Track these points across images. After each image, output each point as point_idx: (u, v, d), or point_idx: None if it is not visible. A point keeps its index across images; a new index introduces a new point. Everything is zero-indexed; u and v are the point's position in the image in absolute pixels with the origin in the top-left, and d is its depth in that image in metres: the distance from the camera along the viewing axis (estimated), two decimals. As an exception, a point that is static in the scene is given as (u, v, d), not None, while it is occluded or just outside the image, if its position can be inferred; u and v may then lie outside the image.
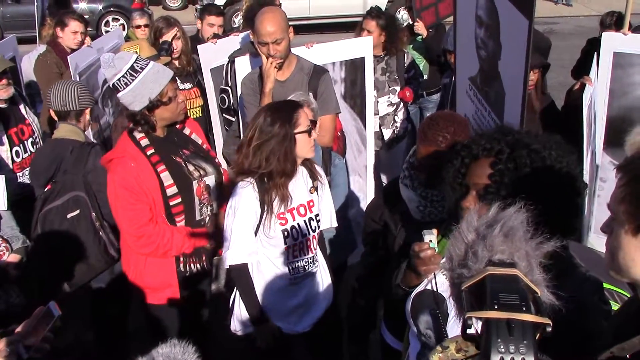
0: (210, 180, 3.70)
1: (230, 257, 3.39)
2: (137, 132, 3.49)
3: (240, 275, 3.48)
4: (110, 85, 3.43)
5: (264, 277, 3.49)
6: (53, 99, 4.09)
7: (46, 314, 2.40)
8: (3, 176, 3.74)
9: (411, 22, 7.00)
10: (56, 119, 4.16)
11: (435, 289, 2.17)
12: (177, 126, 3.72)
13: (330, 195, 3.72)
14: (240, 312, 3.60)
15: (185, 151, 3.64)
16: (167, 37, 5.59)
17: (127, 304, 4.43)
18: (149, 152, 3.48)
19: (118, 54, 3.56)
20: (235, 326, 3.65)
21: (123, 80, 3.34)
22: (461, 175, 2.19)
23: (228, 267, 3.46)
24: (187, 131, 3.78)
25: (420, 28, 6.85)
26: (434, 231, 2.36)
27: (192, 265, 3.68)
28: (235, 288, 3.60)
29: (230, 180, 3.60)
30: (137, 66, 3.37)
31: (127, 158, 3.44)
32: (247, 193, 3.32)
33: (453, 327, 2.09)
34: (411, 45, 6.95)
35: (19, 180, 4.54)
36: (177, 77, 3.97)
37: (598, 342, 1.67)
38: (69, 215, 3.83)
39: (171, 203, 3.52)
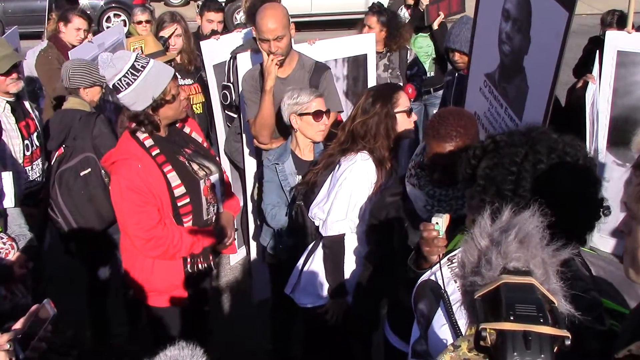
0: (215, 179, 3.65)
1: (340, 226, 3.51)
2: (140, 132, 3.40)
3: (337, 246, 3.58)
4: (110, 86, 3.35)
5: (349, 250, 3.59)
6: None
7: (42, 312, 2.38)
8: (10, 172, 3.68)
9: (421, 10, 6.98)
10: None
11: (440, 282, 2.13)
12: (177, 125, 3.65)
13: None
14: (310, 284, 3.69)
15: (187, 150, 3.58)
16: (165, 32, 5.57)
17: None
18: (154, 153, 3.39)
19: (117, 53, 3.48)
20: (300, 298, 3.75)
21: (124, 80, 3.25)
22: (472, 167, 2.16)
23: (328, 235, 3.55)
24: (187, 130, 3.71)
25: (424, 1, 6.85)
26: (445, 216, 2.37)
27: (199, 265, 3.62)
28: (307, 259, 3.72)
29: (330, 155, 3.66)
30: (138, 65, 3.28)
31: (132, 159, 3.35)
32: (369, 165, 3.47)
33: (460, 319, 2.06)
34: (414, 39, 6.91)
35: (27, 175, 4.51)
36: (177, 74, 3.93)
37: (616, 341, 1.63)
38: (81, 174, 4.32)
39: (179, 203, 3.46)
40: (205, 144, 3.80)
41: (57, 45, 6.03)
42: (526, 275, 1.38)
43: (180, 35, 5.68)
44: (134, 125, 3.39)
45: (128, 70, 3.25)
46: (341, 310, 3.64)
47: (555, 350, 1.28)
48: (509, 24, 3.44)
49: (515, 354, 1.26)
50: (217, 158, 3.88)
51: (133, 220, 3.39)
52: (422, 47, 7.03)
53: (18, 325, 2.33)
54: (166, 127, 3.52)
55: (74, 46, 5.95)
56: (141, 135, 3.41)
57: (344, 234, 3.53)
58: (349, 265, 3.67)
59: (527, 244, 1.41)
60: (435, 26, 6.84)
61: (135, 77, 3.25)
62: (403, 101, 3.50)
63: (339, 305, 3.63)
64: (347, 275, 3.68)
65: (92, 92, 4.63)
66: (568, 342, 1.29)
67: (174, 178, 3.41)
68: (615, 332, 1.75)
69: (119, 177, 3.36)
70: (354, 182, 3.46)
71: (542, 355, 1.25)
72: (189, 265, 3.59)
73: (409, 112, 3.54)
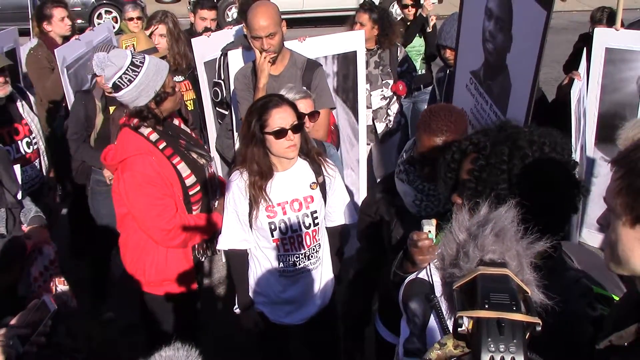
0: (214, 165, 3.78)
1: (221, 241, 3.51)
2: (143, 127, 3.46)
3: (233, 259, 3.62)
4: (110, 84, 3.38)
5: (257, 264, 3.56)
6: None
7: (41, 307, 2.41)
8: (18, 165, 3.68)
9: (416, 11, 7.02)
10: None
11: (428, 278, 2.17)
12: (168, 118, 3.71)
13: (344, 189, 3.72)
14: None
15: (182, 142, 3.66)
16: (147, 32, 5.62)
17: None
18: (161, 146, 3.48)
19: (112, 51, 3.52)
20: (235, 307, 3.76)
21: (125, 77, 3.30)
22: (452, 171, 2.21)
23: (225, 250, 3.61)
24: (176, 122, 3.79)
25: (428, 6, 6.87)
26: (433, 221, 2.39)
27: (208, 251, 3.76)
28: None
29: None
30: (137, 61, 3.34)
31: (145, 154, 3.42)
32: (236, 184, 3.38)
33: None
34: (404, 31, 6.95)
35: None
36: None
37: (599, 333, 1.69)
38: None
39: (190, 192, 3.56)
40: (193, 135, 3.88)
41: (46, 43, 5.98)
42: (501, 266, 1.44)
43: (164, 35, 5.69)
44: (136, 121, 3.44)
45: (128, 67, 3.30)
46: (250, 322, 3.65)
47: (527, 337, 1.35)
48: (491, 22, 3.48)
49: (489, 339, 1.32)
50: (206, 147, 3.99)
51: (153, 212, 3.46)
52: (415, 46, 7.07)
53: (17, 319, 2.36)
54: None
55: (65, 38, 5.96)
56: (145, 130, 3.47)
57: (242, 249, 3.53)
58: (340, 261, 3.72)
59: (502, 237, 1.48)
60: (429, 28, 6.88)
61: (137, 73, 3.31)
62: (276, 120, 3.22)
63: (246, 317, 3.65)
64: (337, 268, 3.72)
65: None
66: (539, 329, 1.36)
67: (184, 169, 3.51)
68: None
69: (133, 172, 3.41)
70: (227, 202, 3.45)
71: (514, 341, 1.32)
72: (197, 252, 3.72)
73: (281, 132, 3.22)
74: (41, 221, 3.52)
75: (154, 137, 3.48)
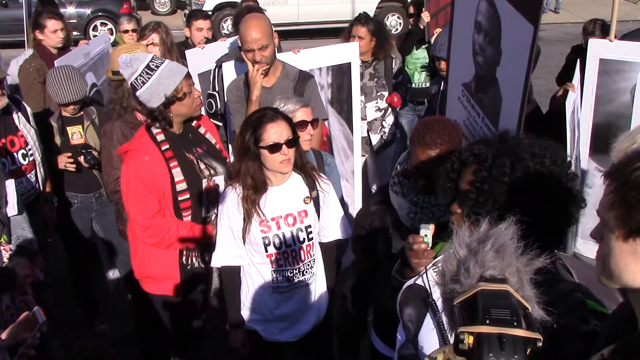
0: (220, 180, 3.77)
1: (214, 259, 3.51)
2: (154, 127, 3.60)
3: (226, 276, 3.58)
4: (129, 84, 3.56)
5: (249, 281, 3.54)
6: None
7: (31, 319, 2.40)
8: (13, 180, 3.67)
9: (417, 24, 6.99)
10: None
11: (426, 285, 2.17)
12: (194, 124, 3.82)
13: (338, 205, 3.69)
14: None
15: (198, 149, 3.74)
16: (142, 42, 5.62)
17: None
18: (163, 148, 3.59)
19: (135, 54, 3.66)
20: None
21: (140, 79, 3.47)
22: (452, 180, 2.21)
23: (217, 267, 3.59)
24: (202, 130, 3.88)
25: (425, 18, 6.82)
26: (431, 226, 2.39)
27: (194, 259, 3.79)
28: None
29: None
30: (153, 65, 3.49)
31: (142, 151, 3.56)
32: (229, 199, 3.38)
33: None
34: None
35: None
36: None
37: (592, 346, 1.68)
38: None
39: (180, 198, 3.63)
40: (218, 146, 3.92)
41: (40, 53, 5.92)
42: (502, 282, 1.45)
43: (156, 44, 5.69)
44: (149, 120, 3.60)
45: (143, 69, 3.47)
46: (238, 342, 3.60)
47: (528, 353, 1.34)
48: (481, 36, 3.50)
49: (490, 354, 1.33)
50: (228, 161, 3.97)
51: (135, 207, 3.61)
52: (420, 59, 7.02)
53: (7, 333, 2.35)
54: (181, 125, 3.71)
55: (58, 49, 5.94)
56: (154, 130, 3.61)
57: (236, 266, 3.50)
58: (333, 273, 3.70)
59: (502, 254, 1.48)
60: (432, 40, 6.82)
61: (150, 76, 3.47)
62: (271, 135, 3.22)
63: (236, 335, 3.60)
64: (332, 283, 3.70)
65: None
66: (540, 344, 1.35)
67: (177, 173, 3.59)
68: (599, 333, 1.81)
69: (128, 166, 3.59)
70: (221, 218, 3.45)
71: (516, 356, 1.32)
72: (184, 258, 3.76)
73: (276, 147, 3.22)
74: (29, 254, 3.49)
75: (160, 137, 3.61)
